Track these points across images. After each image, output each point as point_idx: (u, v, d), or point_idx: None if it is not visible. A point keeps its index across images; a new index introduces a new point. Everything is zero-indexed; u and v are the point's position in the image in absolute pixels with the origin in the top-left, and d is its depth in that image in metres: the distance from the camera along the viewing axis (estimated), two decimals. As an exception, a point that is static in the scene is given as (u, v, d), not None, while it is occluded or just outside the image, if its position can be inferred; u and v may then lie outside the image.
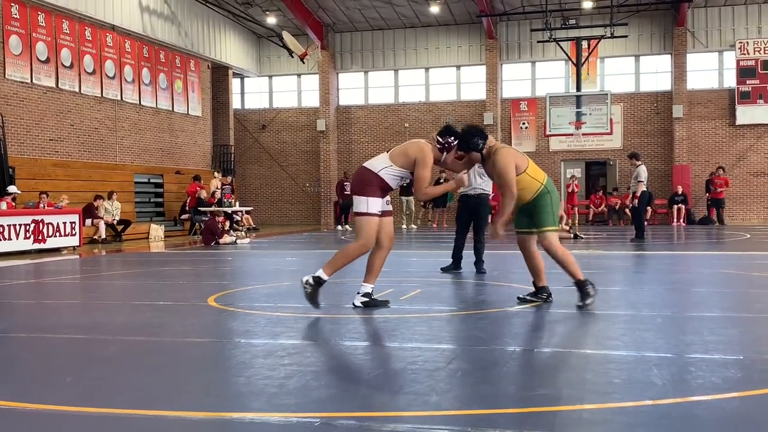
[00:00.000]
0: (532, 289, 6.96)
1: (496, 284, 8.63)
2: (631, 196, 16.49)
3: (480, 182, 9.68)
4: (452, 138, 6.47)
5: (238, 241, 17.81)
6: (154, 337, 5.59)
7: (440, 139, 6.47)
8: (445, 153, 6.47)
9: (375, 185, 6.35)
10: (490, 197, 10.26)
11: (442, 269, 9.84)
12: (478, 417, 3.42)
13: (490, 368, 4.43)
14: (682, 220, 24.92)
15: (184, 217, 22.43)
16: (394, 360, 4.87)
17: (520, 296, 6.99)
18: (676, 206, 25.01)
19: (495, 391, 3.90)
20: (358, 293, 6.65)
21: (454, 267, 9.89)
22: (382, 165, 6.39)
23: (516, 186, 6.41)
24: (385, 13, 27.44)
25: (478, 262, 9.85)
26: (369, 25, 28.59)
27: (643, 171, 15.66)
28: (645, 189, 15.73)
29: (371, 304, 6.58)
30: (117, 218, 19.56)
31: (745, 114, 25.80)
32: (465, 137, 6.49)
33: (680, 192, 25.10)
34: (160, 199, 23.75)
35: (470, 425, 3.29)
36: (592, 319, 6.16)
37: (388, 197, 6.50)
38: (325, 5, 27.00)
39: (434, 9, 26.30)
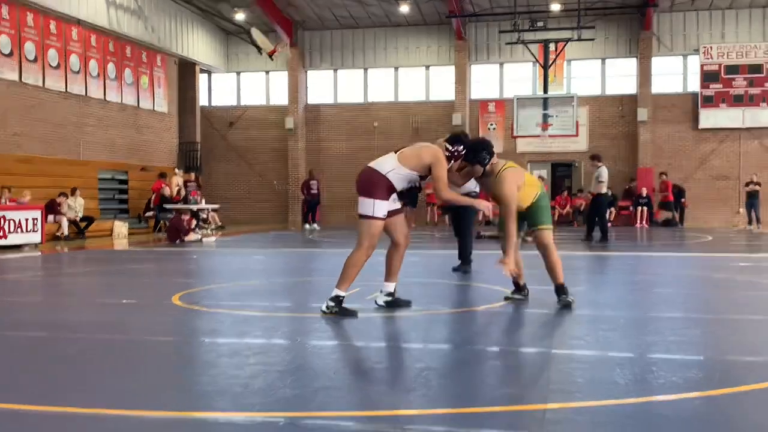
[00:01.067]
0: (505, 288, 7.03)
1: (465, 284, 8.67)
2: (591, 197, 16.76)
3: (468, 185, 9.69)
4: (462, 147, 6.42)
5: (204, 239, 17.67)
6: (117, 336, 5.52)
7: (450, 147, 6.36)
8: (452, 161, 6.40)
9: (382, 187, 6.17)
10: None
11: (453, 269, 9.81)
12: (443, 416, 3.44)
13: (456, 368, 4.45)
14: (645, 222, 25.27)
15: (148, 214, 22.19)
16: (360, 360, 4.87)
17: (507, 295, 7.14)
18: (639, 208, 25.35)
19: (460, 391, 3.92)
20: (381, 292, 6.59)
21: (467, 266, 9.90)
22: (391, 166, 6.21)
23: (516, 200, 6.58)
24: (355, 11, 27.42)
25: (467, 261, 9.83)
26: (339, 23, 28.54)
27: (604, 172, 15.90)
28: (606, 191, 15.99)
29: (395, 303, 6.54)
30: (80, 215, 19.29)
31: (708, 118, 26.23)
32: (474, 150, 6.48)
33: (644, 194, 25.44)
34: (124, 196, 23.45)
35: (435, 424, 3.30)
36: (556, 320, 6.21)
37: (394, 195, 6.32)
38: (294, 2, 26.89)
39: (404, 9, 26.34)
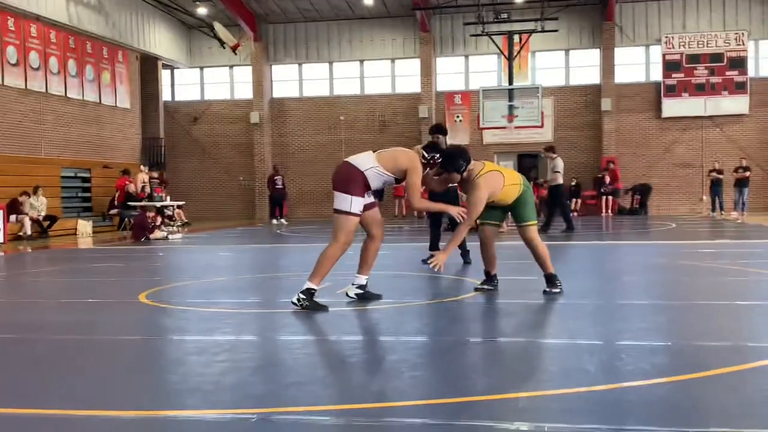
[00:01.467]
0: (475, 280, 7.07)
1: (435, 276, 8.68)
2: (548, 188, 17.09)
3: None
4: (438, 155, 6.48)
5: (170, 236, 17.50)
6: (84, 336, 5.44)
7: (426, 155, 6.41)
8: (428, 168, 6.45)
9: (360, 183, 6.16)
10: None
11: (423, 262, 9.79)
12: (417, 408, 3.43)
13: (429, 359, 4.46)
14: (610, 211, 25.55)
15: (112, 212, 21.92)
16: (331, 354, 4.85)
17: (477, 286, 7.21)
18: (604, 197, 25.62)
19: (434, 382, 3.92)
20: (353, 284, 6.60)
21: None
22: (370, 164, 6.20)
23: (497, 197, 6.72)
24: (319, 4, 27.29)
25: (464, 253, 9.80)
26: (302, 16, 28.39)
27: (559, 163, 16.19)
28: (562, 181, 16.33)
29: (366, 296, 6.57)
30: (43, 214, 18.98)
31: (671, 107, 26.57)
32: (451, 158, 6.53)
33: (608, 183, 25.71)
34: (87, 194, 23.12)
35: (409, 416, 3.30)
36: (526, 310, 6.26)
37: (369, 191, 6.36)
38: (257, -4, 26.69)
39: (368, 1, 26.27)
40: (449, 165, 6.53)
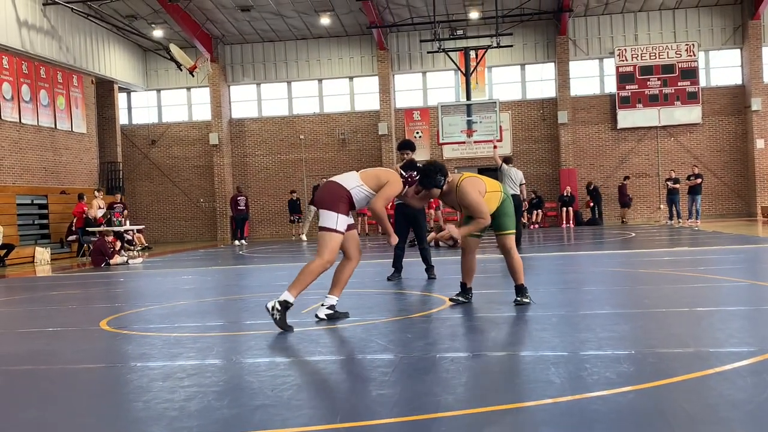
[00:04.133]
0: (441, 296, 7.09)
1: (400, 293, 8.68)
2: None
3: None
4: (415, 173, 6.60)
5: (130, 261, 17.26)
6: (43, 366, 5.32)
7: (404, 174, 6.55)
8: (407, 186, 6.57)
9: (346, 202, 6.30)
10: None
11: (388, 278, 9.85)
12: (385, 426, 3.42)
13: (396, 377, 4.44)
14: (570, 222, 25.84)
15: (71, 238, 21.57)
16: (296, 375, 4.81)
17: (452, 297, 7.30)
18: (564, 208, 25.92)
19: (402, 399, 3.90)
20: (323, 305, 6.60)
21: (398, 274, 9.95)
22: (355, 183, 6.35)
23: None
24: (276, 25, 27.31)
25: (429, 269, 9.86)
26: (260, 37, 28.37)
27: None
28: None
29: (334, 316, 6.57)
30: (-1, 242, 18.63)
31: (626, 118, 27.05)
32: (428, 175, 6.61)
33: (568, 194, 26.03)
34: (45, 221, 22.74)
35: (377, 436, 3.28)
36: (489, 322, 6.27)
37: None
38: (213, 17, 26.61)
39: (325, 21, 26.37)
40: (428, 182, 6.61)
